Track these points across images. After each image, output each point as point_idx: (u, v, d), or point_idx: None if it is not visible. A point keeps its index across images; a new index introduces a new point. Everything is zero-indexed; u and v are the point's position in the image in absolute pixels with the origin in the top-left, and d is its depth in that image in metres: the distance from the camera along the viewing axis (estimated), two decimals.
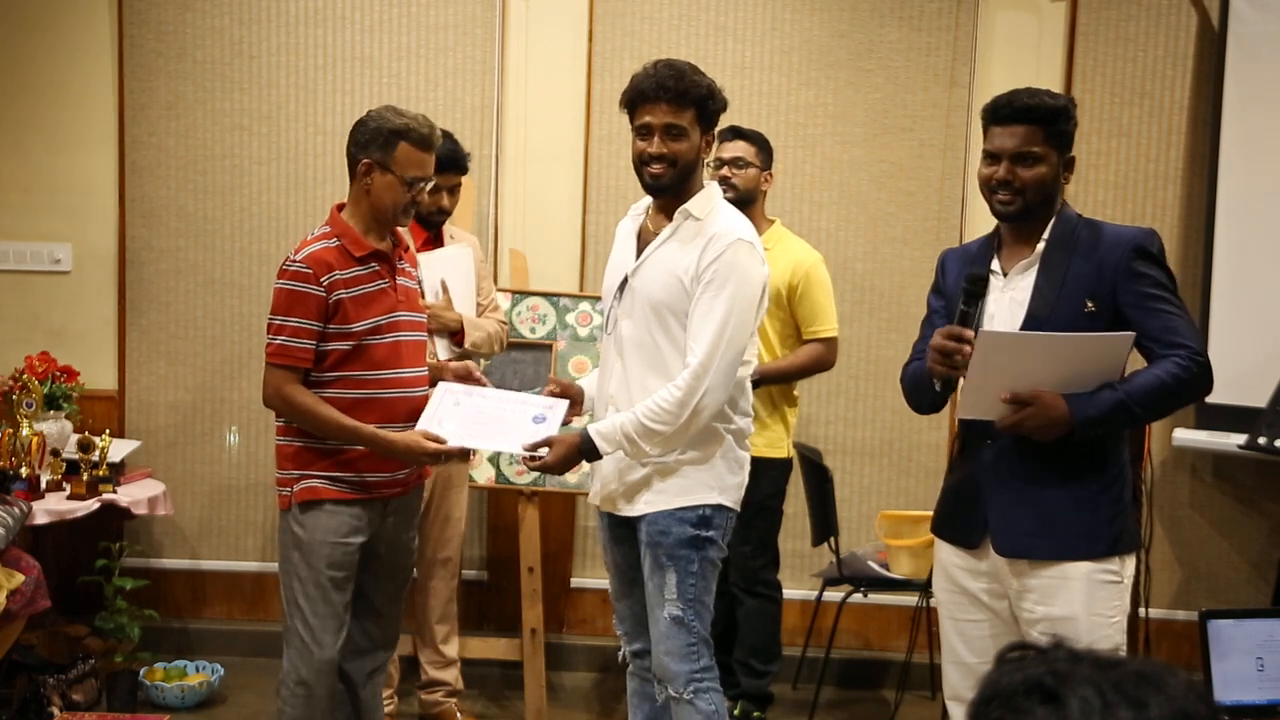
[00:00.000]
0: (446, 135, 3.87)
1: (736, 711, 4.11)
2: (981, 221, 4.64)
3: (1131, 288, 2.59)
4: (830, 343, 4.02)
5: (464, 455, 3.01)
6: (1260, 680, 2.76)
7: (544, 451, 2.90)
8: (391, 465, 3.08)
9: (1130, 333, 2.57)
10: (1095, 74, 4.63)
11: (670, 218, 2.92)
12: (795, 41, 4.69)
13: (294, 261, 2.98)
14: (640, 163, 2.89)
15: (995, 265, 2.72)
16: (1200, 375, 2.59)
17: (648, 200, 3.01)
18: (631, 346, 2.92)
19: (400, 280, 3.13)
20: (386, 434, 2.99)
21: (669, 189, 2.89)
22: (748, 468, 3.01)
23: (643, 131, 2.88)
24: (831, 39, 4.68)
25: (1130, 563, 2.66)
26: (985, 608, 2.70)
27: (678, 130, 2.84)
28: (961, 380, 2.62)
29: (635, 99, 2.88)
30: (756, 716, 4.14)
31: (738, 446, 2.96)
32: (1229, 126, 4.43)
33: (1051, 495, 2.61)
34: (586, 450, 2.87)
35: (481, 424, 3.05)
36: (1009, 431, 2.59)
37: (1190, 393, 2.63)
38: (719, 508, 2.91)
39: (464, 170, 3.96)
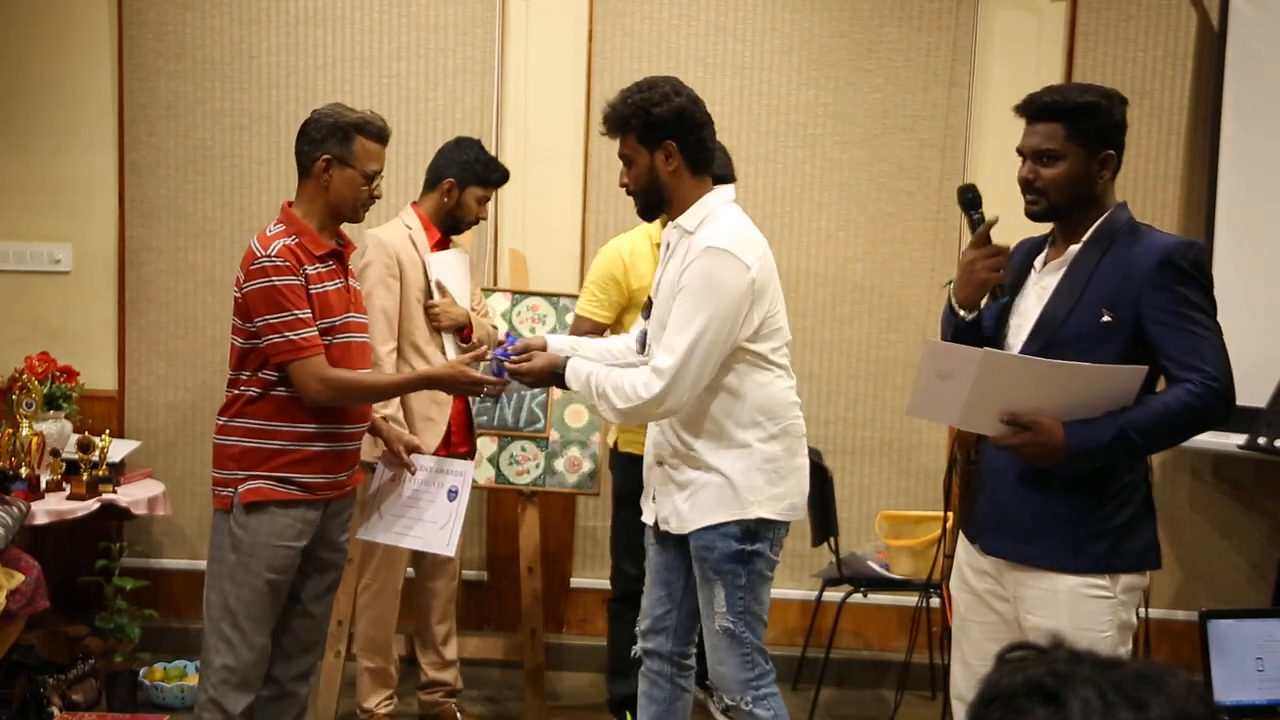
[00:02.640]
0: (500, 162, 4.01)
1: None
2: None
3: (1155, 301, 2.46)
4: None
5: (501, 386, 3.11)
6: (1260, 680, 2.76)
7: (526, 364, 2.98)
8: (336, 467, 3.08)
9: (1143, 367, 2.46)
10: (1095, 74, 4.62)
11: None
12: (795, 41, 4.69)
13: (269, 257, 2.94)
14: None
15: (1039, 260, 2.68)
16: (1212, 402, 2.43)
17: None
18: None
19: (352, 281, 3.17)
20: (429, 370, 3.36)
21: (648, 212, 3.00)
22: (796, 476, 2.96)
23: None
24: (831, 39, 4.68)
25: (1129, 580, 2.54)
26: (990, 609, 2.67)
27: (626, 158, 2.94)
28: (929, 386, 2.57)
29: None
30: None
31: (781, 456, 2.91)
32: (1229, 126, 4.43)
33: (1040, 502, 2.56)
34: (559, 379, 2.97)
35: (406, 516, 3.33)
36: (1005, 450, 2.54)
37: (1200, 421, 2.46)
38: (762, 521, 2.89)
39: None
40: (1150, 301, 2.47)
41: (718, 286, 2.79)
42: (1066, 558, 2.52)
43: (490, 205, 4.63)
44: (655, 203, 2.94)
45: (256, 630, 3.01)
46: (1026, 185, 2.59)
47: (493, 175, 3.96)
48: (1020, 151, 2.61)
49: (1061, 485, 2.54)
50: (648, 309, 3.02)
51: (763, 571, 2.93)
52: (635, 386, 2.82)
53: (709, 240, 2.81)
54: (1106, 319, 2.50)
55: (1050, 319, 2.56)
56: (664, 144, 2.86)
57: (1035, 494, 2.57)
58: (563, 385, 2.97)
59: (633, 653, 3.18)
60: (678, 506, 2.94)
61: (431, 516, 3.30)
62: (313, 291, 2.98)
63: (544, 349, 3.04)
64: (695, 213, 2.88)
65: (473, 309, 3.99)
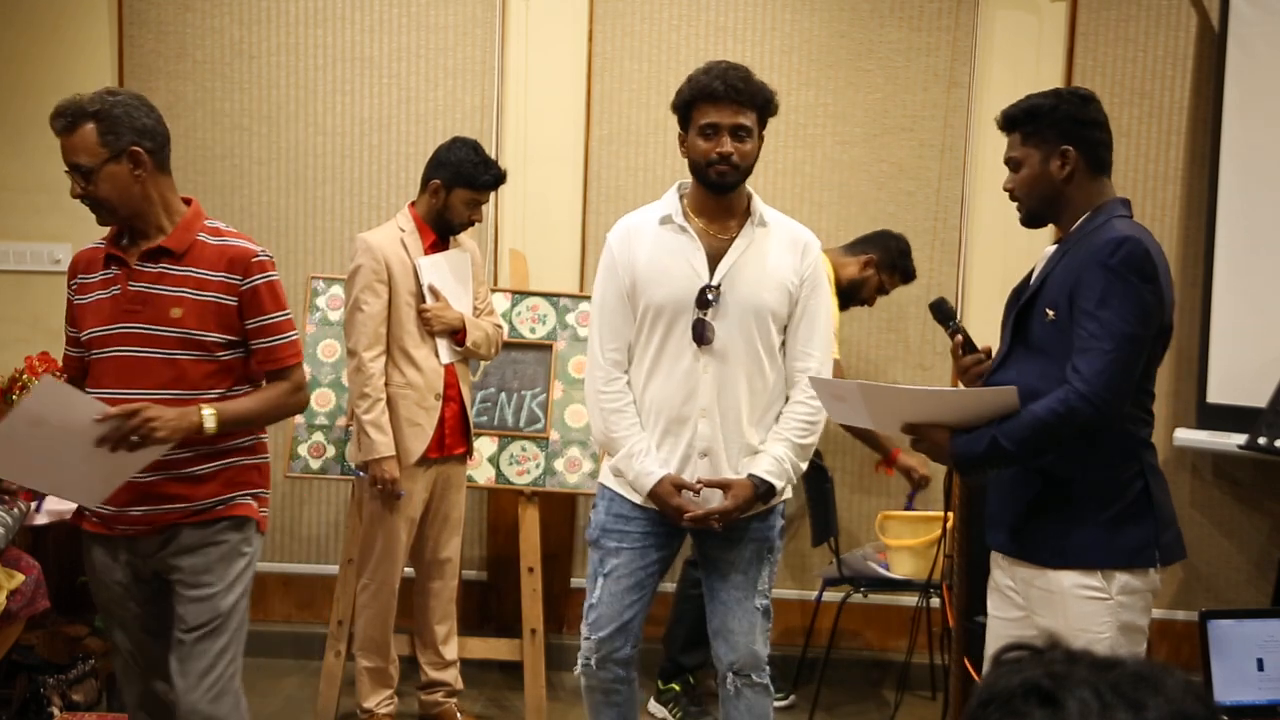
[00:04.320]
0: (495, 164, 3.91)
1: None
2: (980, 222, 4.64)
3: (1076, 301, 2.50)
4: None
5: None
6: (1260, 680, 2.76)
7: (718, 502, 2.90)
8: (124, 499, 2.68)
9: (1010, 388, 2.51)
10: (1095, 74, 4.62)
11: (717, 219, 2.95)
12: (795, 41, 4.69)
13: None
14: (706, 163, 2.88)
15: None
16: (1078, 408, 2.43)
17: (668, 207, 2.97)
18: (733, 355, 2.91)
19: (139, 285, 2.70)
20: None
21: (733, 188, 2.93)
22: None
23: (708, 131, 2.87)
24: (831, 39, 4.68)
25: (1125, 580, 2.52)
26: (1014, 605, 2.70)
27: (745, 131, 2.88)
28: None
29: (700, 98, 2.88)
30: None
31: None
32: (1229, 126, 4.43)
33: (1031, 496, 2.61)
34: (764, 494, 2.92)
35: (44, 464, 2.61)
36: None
37: (1066, 428, 2.46)
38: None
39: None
40: (1074, 299, 2.50)
41: (826, 279, 3.07)
42: (1055, 552, 2.56)
43: (490, 205, 4.64)
44: (741, 182, 2.93)
45: (120, 670, 2.88)
46: (1010, 196, 2.70)
47: (481, 178, 3.86)
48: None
49: (1050, 480, 2.58)
50: (704, 297, 2.88)
51: None
52: (806, 413, 2.95)
53: (816, 241, 3.03)
54: (1050, 317, 2.54)
55: (1012, 317, 2.66)
56: (763, 135, 2.95)
57: (1026, 488, 2.61)
58: (773, 494, 2.94)
59: (588, 666, 3.04)
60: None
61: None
62: (76, 302, 2.78)
63: (692, 487, 2.92)
64: (761, 207, 2.99)
65: (476, 309, 3.98)
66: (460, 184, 3.85)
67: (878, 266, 4.32)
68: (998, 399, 2.51)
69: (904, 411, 2.62)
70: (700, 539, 3.02)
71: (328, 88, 4.70)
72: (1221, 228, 4.43)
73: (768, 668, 3.03)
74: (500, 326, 4.05)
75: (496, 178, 3.92)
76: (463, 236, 4.05)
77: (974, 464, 2.57)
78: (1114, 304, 2.43)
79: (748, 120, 2.87)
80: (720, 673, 3.03)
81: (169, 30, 4.69)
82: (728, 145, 2.86)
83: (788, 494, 3.05)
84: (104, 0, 4.70)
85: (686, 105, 2.90)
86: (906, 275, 4.40)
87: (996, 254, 4.61)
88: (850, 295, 4.34)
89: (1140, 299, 2.44)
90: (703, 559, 3.05)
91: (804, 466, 3.00)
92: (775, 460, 2.91)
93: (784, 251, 2.95)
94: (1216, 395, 4.44)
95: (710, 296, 2.88)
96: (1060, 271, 2.55)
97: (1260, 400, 4.12)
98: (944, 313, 2.81)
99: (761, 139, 2.94)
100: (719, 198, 2.93)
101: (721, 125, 2.86)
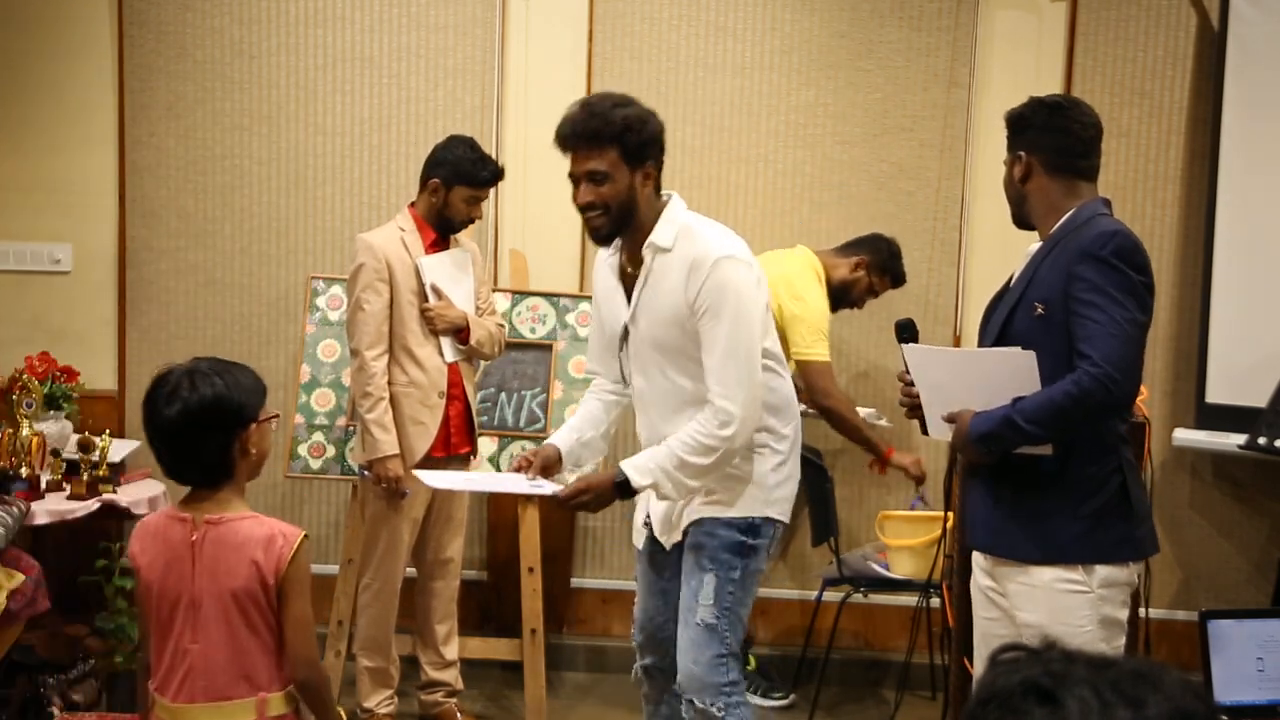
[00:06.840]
0: (492, 160, 3.93)
1: None
2: (980, 222, 4.64)
3: (1072, 292, 2.52)
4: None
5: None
6: (1260, 680, 2.76)
7: (580, 497, 2.77)
8: None
9: (1029, 351, 2.53)
10: (1095, 74, 4.62)
11: (632, 251, 2.82)
12: (795, 41, 4.69)
13: None
14: (580, 212, 2.78)
15: None
16: (1092, 390, 2.43)
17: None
18: (651, 395, 2.84)
19: None
20: None
21: (611, 235, 2.78)
22: (796, 476, 2.95)
23: (572, 181, 2.76)
24: (831, 39, 4.68)
25: (1106, 573, 2.56)
26: (994, 605, 2.72)
27: (600, 175, 2.70)
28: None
29: (558, 147, 2.77)
30: None
31: (788, 458, 2.90)
32: (1229, 126, 4.43)
33: (1009, 494, 2.63)
34: (620, 485, 2.73)
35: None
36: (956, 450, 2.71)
37: (1083, 408, 2.46)
38: (767, 520, 2.86)
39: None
40: (1069, 293, 2.54)
41: (744, 296, 2.70)
42: (1034, 549, 2.58)
43: (490, 205, 4.63)
44: (623, 225, 2.75)
45: None
46: None
47: (479, 175, 3.86)
48: None
49: (1027, 477, 2.60)
50: (624, 339, 2.85)
51: (756, 570, 2.87)
52: (698, 431, 2.69)
53: (715, 251, 2.69)
54: (1040, 312, 2.57)
55: (999, 317, 2.69)
56: (646, 164, 2.74)
57: (1004, 487, 2.64)
58: (631, 493, 2.74)
59: (633, 673, 3.07)
60: (692, 505, 2.85)
61: None
62: None
63: (560, 459, 2.89)
64: (665, 229, 2.75)
65: (478, 308, 3.98)
66: (459, 181, 3.85)
67: (869, 268, 4.34)
68: (1012, 360, 2.55)
69: (947, 390, 2.63)
70: None
71: (328, 88, 4.70)
72: (1221, 228, 4.42)
73: (726, 694, 2.78)
74: (502, 326, 4.06)
75: (494, 174, 3.92)
76: (463, 236, 4.05)
77: (989, 442, 2.56)
78: (1113, 293, 2.49)
79: (601, 163, 2.68)
80: None
81: (169, 30, 4.69)
82: (580, 195, 2.73)
83: (753, 510, 2.83)
84: (104, 0, 4.70)
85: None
86: (896, 279, 4.41)
87: (996, 254, 4.60)
88: (840, 297, 4.35)
89: (1136, 288, 2.51)
90: None
91: (688, 483, 2.73)
92: (648, 456, 2.74)
93: (677, 279, 2.72)
94: (1216, 395, 4.44)
95: (624, 337, 2.86)
96: (1047, 268, 2.60)
97: (1260, 400, 4.12)
98: (909, 334, 2.82)
99: (645, 168, 2.73)
100: (605, 245, 2.84)
101: (576, 175, 2.74)
